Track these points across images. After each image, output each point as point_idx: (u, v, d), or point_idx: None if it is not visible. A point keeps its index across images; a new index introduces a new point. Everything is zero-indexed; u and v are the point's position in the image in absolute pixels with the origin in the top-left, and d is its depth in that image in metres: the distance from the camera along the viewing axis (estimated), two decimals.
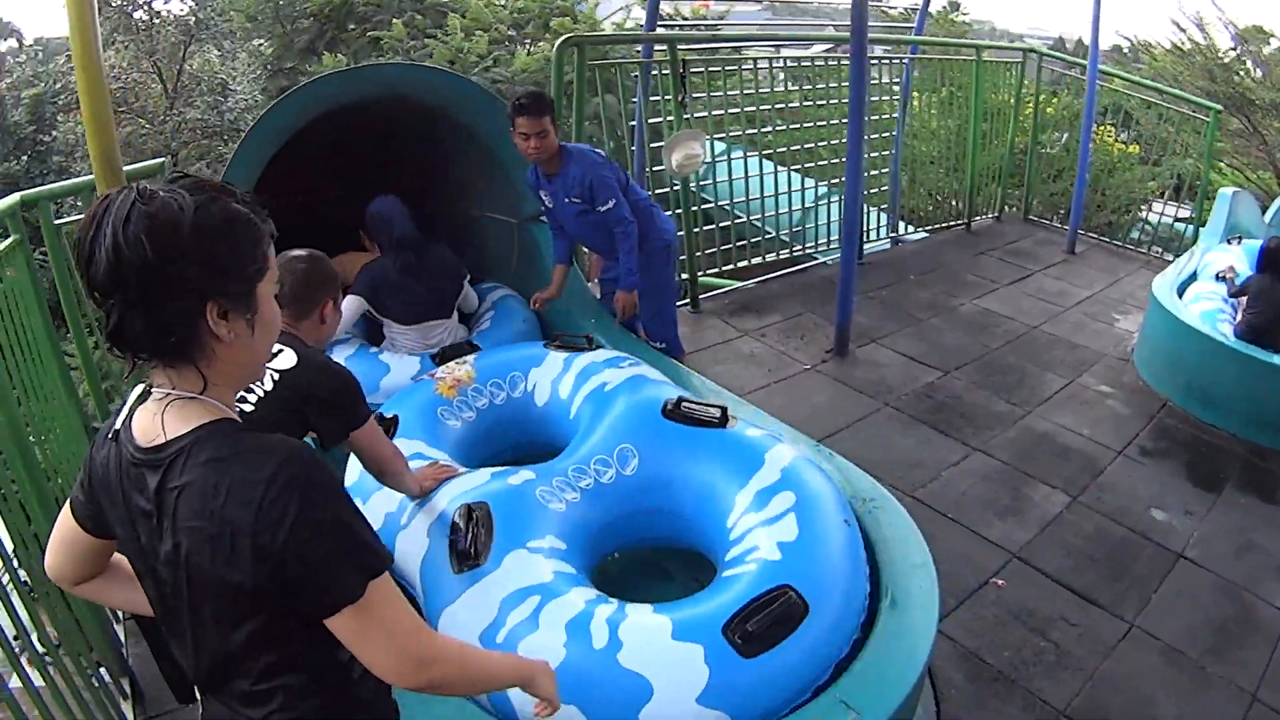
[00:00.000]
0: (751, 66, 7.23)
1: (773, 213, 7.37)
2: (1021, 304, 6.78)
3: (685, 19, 12.82)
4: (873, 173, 8.07)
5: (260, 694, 1.49)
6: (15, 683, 2.57)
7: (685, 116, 6.15)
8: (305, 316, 2.70)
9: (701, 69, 6.94)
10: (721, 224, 7.15)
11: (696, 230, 6.73)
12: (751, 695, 2.35)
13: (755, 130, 7.31)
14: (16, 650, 2.60)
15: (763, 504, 2.91)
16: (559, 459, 3.28)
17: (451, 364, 3.96)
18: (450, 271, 4.69)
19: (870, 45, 7.20)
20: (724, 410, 3.30)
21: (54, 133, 15.48)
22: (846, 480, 3.20)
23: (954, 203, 8.90)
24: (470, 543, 2.75)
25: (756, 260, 7.34)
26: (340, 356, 4.37)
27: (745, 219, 7.29)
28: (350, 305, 4.40)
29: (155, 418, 1.41)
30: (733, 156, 7.07)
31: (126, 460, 1.44)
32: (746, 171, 7.14)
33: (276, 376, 2.47)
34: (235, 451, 1.37)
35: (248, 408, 2.35)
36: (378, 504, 3.07)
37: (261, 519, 1.32)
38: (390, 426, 3.56)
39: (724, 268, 7.15)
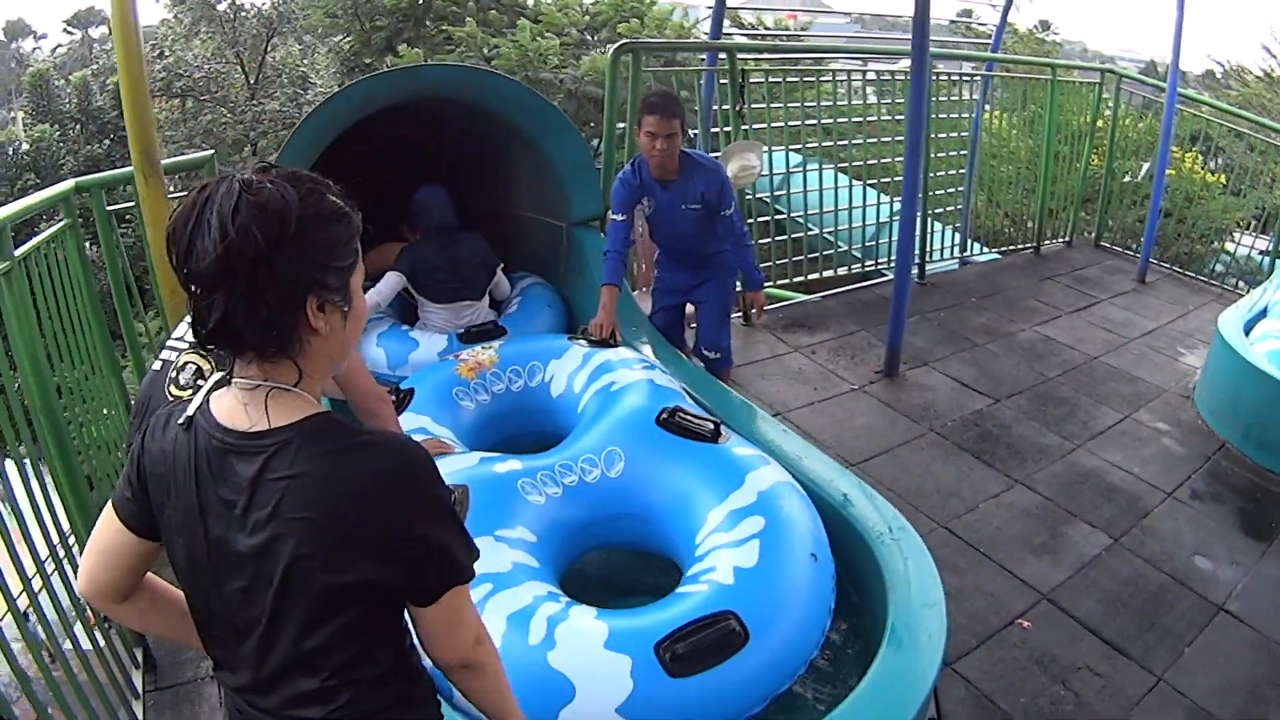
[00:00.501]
0: (830, 79, 7.12)
1: (845, 227, 7.23)
2: (1083, 333, 6.55)
3: (767, 28, 12.68)
4: (944, 191, 7.89)
5: (328, 691, 1.46)
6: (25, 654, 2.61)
7: (744, 127, 6.05)
8: None
9: (779, 79, 6.82)
10: (794, 235, 6.99)
11: (762, 241, 6.65)
12: (673, 715, 2.37)
13: (832, 143, 7.17)
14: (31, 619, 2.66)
15: (732, 525, 2.91)
16: (549, 453, 3.34)
17: (477, 348, 4.13)
18: (483, 259, 4.92)
19: (943, 61, 7.08)
20: (717, 425, 3.32)
21: None
22: (872, 508, 3.08)
23: (1029, 224, 8.65)
24: None
25: (828, 273, 7.20)
26: (374, 334, 4.69)
27: (818, 232, 7.13)
28: (390, 280, 4.76)
29: (250, 407, 1.41)
30: (808, 169, 6.94)
31: (210, 447, 1.41)
32: (821, 184, 6.98)
33: None
34: (354, 445, 1.39)
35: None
36: None
37: (393, 507, 1.36)
38: (405, 399, 3.70)
39: (794, 279, 7.02)
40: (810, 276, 7.11)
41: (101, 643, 2.96)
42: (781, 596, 2.66)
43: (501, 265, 5.01)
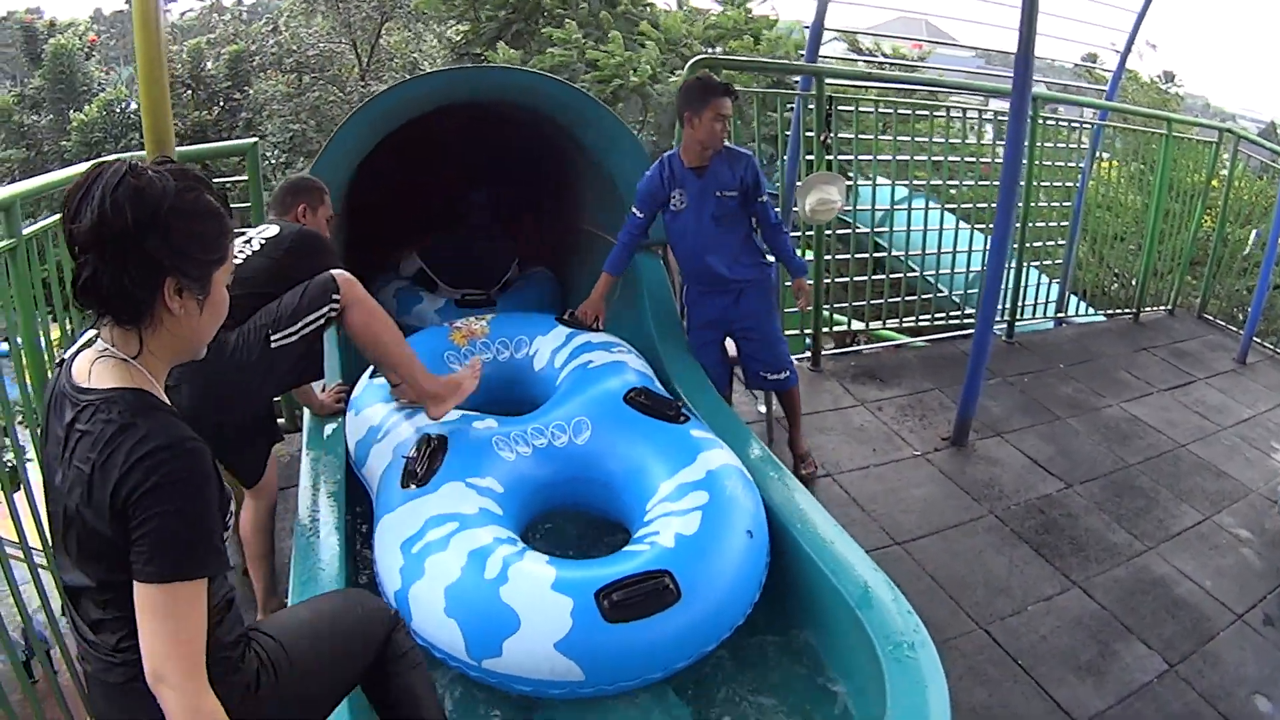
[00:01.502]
0: (944, 113, 6.82)
1: (947, 270, 6.92)
2: (1173, 415, 6.10)
3: (885, 55, 12.31)
4: (1048, 242, 7.54)
5: (105, 623, 1.68)
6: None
7: (828, 158, 5.77)
8: (285, 214, 3.63)
9: (889, 109, 6.57)
10: (894, 274, 6.75)
11: (836, 280, 6.40)
12: (604, 656, 2.67)
13: (941, 181, 6.91)
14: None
15: (678, 497, 3.21)
16: (525, 418, 3.71)
17: (472, 317, 4.52)
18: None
19: (1056, 106, 6.73)
20: (678, 408, 3.73)
21: (248, 89, 16.09)
22: (894, 609, 2.81)
23: (1133, 283, 8.18)
24: (419, 465, 3.22)
25: (924, 319, 6.93)
26: (390, 290, 5.72)
27: (918, 273, 6.87)
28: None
29: (89, 364, 1.65)
30: (913, 205, 6.65)
31: (60, 389, 1.68)
32: (925, 223, 6.68)
33: (262, 241, 3.27)
34: (133, 421, 1.57)
35: (238, 262, 2.98)
36: (367, 417, 3.63)
37: (125, 480, 1.53)
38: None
39: (887, 321, 6.76)
40: (905, 321, 6.83)
41: None
42: (714, 564, 2.93)
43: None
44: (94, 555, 1.62)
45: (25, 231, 3.18)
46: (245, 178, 5.00)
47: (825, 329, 6.44)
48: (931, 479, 4.93)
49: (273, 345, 2.96)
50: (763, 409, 5.15)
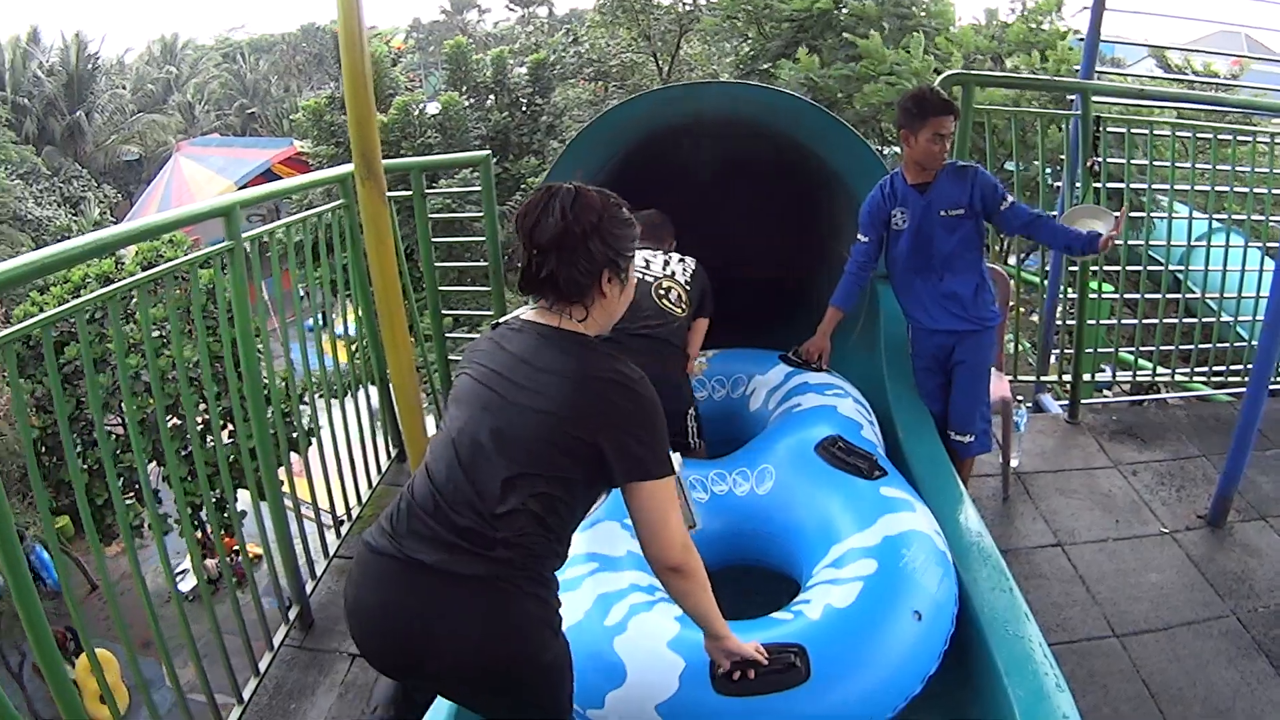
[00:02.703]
0: (1255, 139, 5.97)
1: (1250, 317, 6.06)
2: None
3: (1196, 73, 11.12)
4: None
5: (518, 540, 2.01)
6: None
7: (1095, 185, 5.10)
8: (660, 245, 4.10)
9: (1188, 133, 5.77)
10: (1188, 318, 6.08)
11: (1096, 322, 5.68)
12: None
13: (1246, 216, 6.07)
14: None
15: (844, 563, 2.83)
16: (714, 460, 3.56)
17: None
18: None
19: None
20: (873, 462, 3.27)
21: (550, 96, 16.61)
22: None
23: None
24: None
25: (1219, 367, 6.15)
26: None
27: (1220, 318, 6.15)
28: None
29: (551, 315, 2.12)
30: (1212, 242, 5.87)
31: (514, 329, 2.16)
32: (1225, 262, 5.93)
33: (687, 273, 3.94)
34: (585, 362, 2.05)
35: (688, 272, 3.94)
36: None
37: (582, 406, 2.00)
38: None
39: (1177, 370, 6.06)
40: (1198, 370, 6.11)
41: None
42: (861, 646, 2.52)
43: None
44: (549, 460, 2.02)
45: (245, 235, 3.59)
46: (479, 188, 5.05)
47: (1089, 375, 5.74)
48: (1174, 563, 4.23)
49: None
50: (1013, 460, 4.73)
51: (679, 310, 3.80)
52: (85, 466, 9.63)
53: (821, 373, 4.08)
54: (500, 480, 1.97)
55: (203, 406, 8.07)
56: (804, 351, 4.18)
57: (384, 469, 5.14)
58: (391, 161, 4.76)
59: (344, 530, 4.63)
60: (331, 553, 4.50)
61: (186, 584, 12.18)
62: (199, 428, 5.55)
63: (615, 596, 2.70)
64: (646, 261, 3.90)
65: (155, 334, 3.49)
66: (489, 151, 5.00)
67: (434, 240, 4.94)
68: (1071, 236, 3.86)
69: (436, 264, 5.08)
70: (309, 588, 4.16)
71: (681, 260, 3.98)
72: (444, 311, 5.23)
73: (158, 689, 3.39)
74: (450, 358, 5.42)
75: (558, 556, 2.10)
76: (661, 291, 3.80)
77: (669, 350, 3.74)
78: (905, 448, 3.74)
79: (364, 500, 4.83)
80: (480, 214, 4.93)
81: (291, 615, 4.01)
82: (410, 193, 4.89)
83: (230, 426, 4.19)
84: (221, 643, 3.55)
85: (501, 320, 2.23)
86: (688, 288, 3.87)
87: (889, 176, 4.02)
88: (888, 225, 3.99)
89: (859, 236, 4.07)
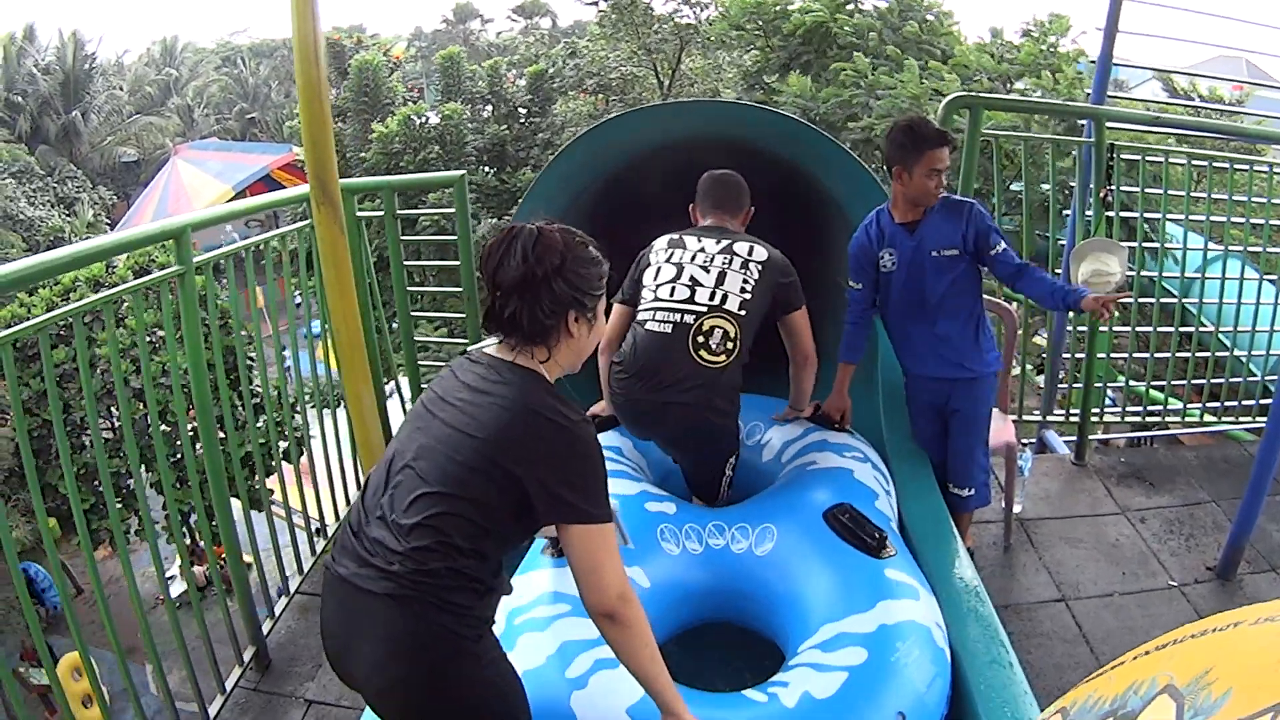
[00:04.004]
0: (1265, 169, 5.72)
1: (1261, 352, 5.83)
2: None
3: (1202, 98, 10.89)
4: None
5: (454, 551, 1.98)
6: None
7: (1108, 215, 4.84)
8: (735, 216, 3.63)
9: (1203, 162, 5.57)
10: (1200, 351, 5.85)
11: (1106, 355, 5.42)
12: None
13: (1261, 246, 5.89)
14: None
15: (832, 647, 2.58)
16: (716, 511, 3.28)
17: None
18: None
19: None
20: (882, 539, 2.95)
21: (550, 109, 16.47)
22: None
23: None
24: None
25: (1231, 404, 5.84)
26: None
27: (1230, 352, 5.92)
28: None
29: (511, 351, 2.09)
30: (1226, 272, 5.61)
31: (472, 360, 2.14)
32: (1240, 293, 5.63)
33: (759, 266, 3.36)
34: (526, 394, 2.02)
35: (749, 286, 3.30)
36: None
37: (504, 433, 1.96)
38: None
39: (1189, 406, 5.80)
40: (1210, 405, 5.79)
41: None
42: None
43: None
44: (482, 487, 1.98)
45: (195, 260, 3.39)
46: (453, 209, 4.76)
47: (1097, 414, 5.48)
48: (1181, 620, 3.95)
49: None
50: (1017, 506, 4.54)
51: (721, 359, 3.23)
52: (75, 471, 9.53)
53: (843, 432, 3.76)
54: (414, 495, 1.97)
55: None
56: (826, 411, 3.82)
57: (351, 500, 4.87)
58: (360, 181, 4.60)
59: (305, 567, 4.38)
60: (293, 589, 4.24)
61: (173, 589, 11.99)
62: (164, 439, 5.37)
63: (581, 646, 2.50)
64: (682, 273, 3.37)
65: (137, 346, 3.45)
66: (463, 173, 4.73)
67: (418, 264, 4.69)
68: (1055, 292, 3.60)
69: (409, 288, 4.83)
70: (266, 627, 3.92)
71: (750, 250, 3.39)
72: (418, 339, 4.97)
73: (140, 694, 3.28)
74: (422, 385, 5.14)
75: (474, 588, 2.00)
76: (701, 338, 3.23)
77: (714, 393, 3.25)
78: (902, 503, 3.51)
79: (330, 536, 4.59)
80: (455, 236, 4.65)
81: (246, 656, 3.77)
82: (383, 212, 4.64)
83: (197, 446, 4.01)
84: (191, 670, 3.46)
85: (467, 350, 2.26)
86: (742, 314, 3.26)
87: (874, 214, 3.72)
88: (877, 268, 3.70)
89: (850, 283, 3.79)
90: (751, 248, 3.39)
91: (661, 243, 3.52)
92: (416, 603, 1.93)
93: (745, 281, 3.31)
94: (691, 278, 3.33)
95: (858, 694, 2.39)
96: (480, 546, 1.99)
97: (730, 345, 3.23)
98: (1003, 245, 3.57)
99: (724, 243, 3.41)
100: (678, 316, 3.25)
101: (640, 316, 3.33)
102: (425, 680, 1.97)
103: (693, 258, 3.38)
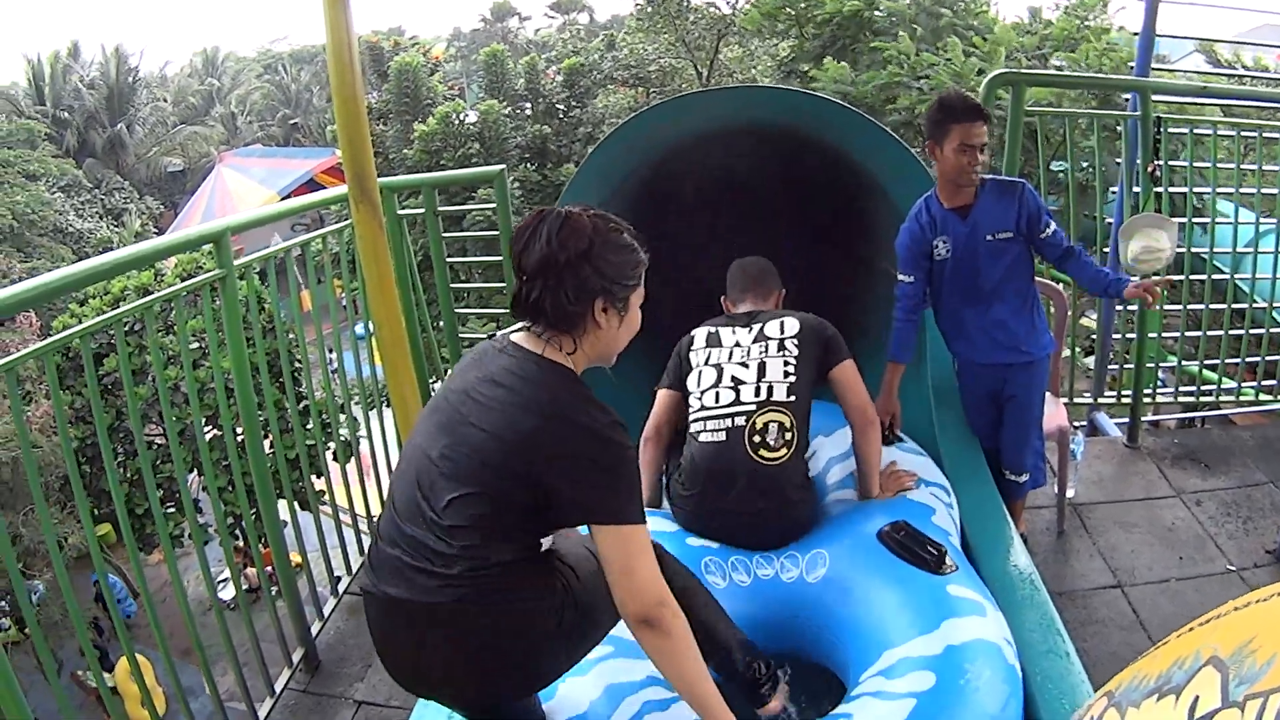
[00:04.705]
0: None
1: None
2: None
3: (1246, 69, 10.65)
4: None
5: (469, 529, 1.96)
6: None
7: (1156, 191, 4.73)
8: (767, 300, 3.50)
9: (1253, 133, 5.38)
10: (1254, 329, 5.70)
11: (1158, 335, 5.36)
12: None
13: None
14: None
15: (897, 673, 2.44)
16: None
17: None
18: None
19: None
20: (942, 554, 2.79)
21: (587, 103, 16.47)
22: None
23: None
24: None
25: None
26: None
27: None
28: None
29: (538, 341, 2.03)
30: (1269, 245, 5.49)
31: (497, 348, 2.07)
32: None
33: (796, 328, 3.22)
34: (556, 396, 1.97)
35: (791, 367, 3.15)
36: None
37: (532, 437, 1.92)
38: None
39: (1244, 385, 5.61)
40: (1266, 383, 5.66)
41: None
42: None
43: None
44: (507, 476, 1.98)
45: (236, 264, 3.41)
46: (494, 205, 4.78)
47: (1149, 395, 5.38)
48: None
49: None
50: (1069, 490, 4.46)
51: (782, 453, 3.06)
52: (126, 477, 9.71)
53: (894, 443, 3.60)
54: (450, 497, 1.94)
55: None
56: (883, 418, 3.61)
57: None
58: (398, 179, 4.58)
59: (355, 567, 4.39)
60: (341, 590, 4.26)
61: (226, 593, 12.11)
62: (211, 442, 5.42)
63: (628, 689, 2.41)
64: (723, 374, 3.22)
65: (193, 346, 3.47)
66: (503, 167, 4.75)
67: (461, 260, 4.69)
68: (1100, 279, 3.55)
69: (452, 285, 4.84)
70: (315, 628, 3.93)
71: (782, 326, 3.27)
72: (463, 334, 4.96)
73: (195, 696, 3.40)
74: None
75: (527, 567, 2.01)
76: (757, 438, 3.07)
77: (784, 488, 3.09)
78: (954, 488, 3.40)
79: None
80: (497, 232, 4.66)
81: (296, 658, 3.77)
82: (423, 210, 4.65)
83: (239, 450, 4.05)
84: (240, 672, 3.48)
85: (493, 335, 2.21)
86: (792, 400, 3.12)
87: (923, 202, 3.60)
88: (931, 257, 3.58)
89: (901, 276, 3.63)
90: (782, 323, 3.27)
91: (699, 340, 3.36)
92: (483, 598, 1.93)
93: (786, 364, 3.17)
94: (733, 378, 3.20)
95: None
96: (522, 535, 2.00)
97: (789, 436, 3.08)
98: (1053, 227, 3.49)
99: (755, 328, 3.30)
100: (729, 421, 3.11)
101: (693, 429, 3.19)
102: (522, 663, 2.03)
103: (730, 355, 3.26)
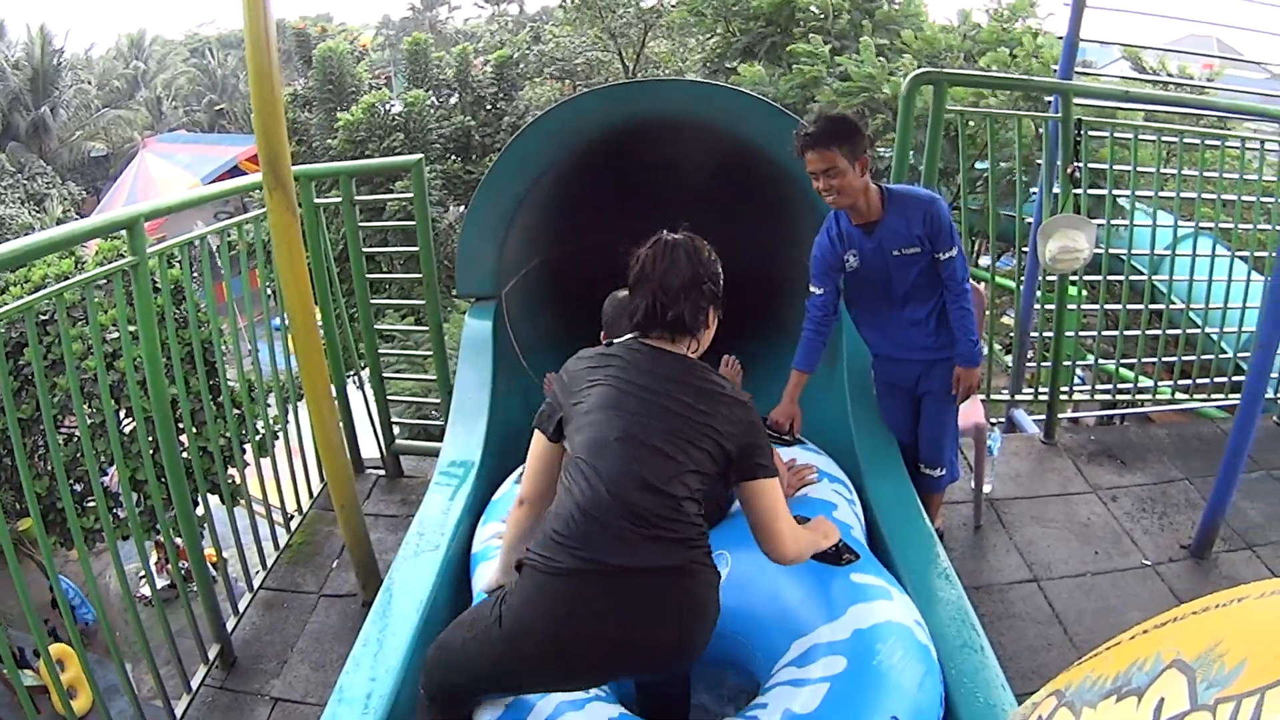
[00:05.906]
0: (1234, 144, 5.66)
1: (1233, 329, 5.76)
2: None
3: (1170, 75, 10.87)
4: None
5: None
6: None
7: (1075, 192, 4.78)
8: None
9: (1173, 139, 5.55)
10: (1171, 329, 5.82)
11: (1075, 334, 5.41)
12: None
13: (1232, 223, 5.72)
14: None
15: (807, 661, 2.47)
16: None
17: None
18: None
19: None
20: (843, 546, 2.79)
21: (516, 96, 16.38)
22: None
23: None
24: None
25: (1203, 381, 5.79)
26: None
27: (1201, 330, 5.85)
28: None
29: (672, 344, 2.33)
30: (1196, 249, 5.55)
31: (635, 350, 2.33)
32: (1211, 271, 5.58)
33: None
34: (709, 378, 2.30)
35: None
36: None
37: (714, 417, 2.23)
38: None
39: (1160, 384, 5.69)
40: (1184, 383, 5.76)
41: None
42: None
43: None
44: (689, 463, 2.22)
45: (149, 251, 3.33)
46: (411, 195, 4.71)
47: (1066, 392, 5.44)
48: (1156, 599, 3.94)
49: None
50: (987, 486, 4.49)
51: None
52: (49, 470, 9.50)
53: (794, 445, 3.60)
54: (670, 475, 2.15)
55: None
56: (773, 422, 3.60)
57: (315, 494, 4.79)
58: (315, 167, 4.52)
59: (269, 562, 4.32)
60: (256, 585, 4.18)
61: (149, 589, 11.92)
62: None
63: (531, 700, 2.40)
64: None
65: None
66: (420, 157, 4.64)
67: (382, 250, 4.60)
68: (963, 335, 3.53)
69: (370, 276, 4.75)
70: (230, 624, 3.87)
71: None
72: (381, 328, 4.89)
73: (120, 696, 3.42)
74: (385, 375, 5.04)
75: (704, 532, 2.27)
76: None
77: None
78: (868, 485, 3.42)
79: (294, 529, 4.53)
80: (413, 222, 4.56)
81: (212, 654, 3.71)
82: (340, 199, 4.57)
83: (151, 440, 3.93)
84: (156, 670, 3.45)
85: (614, 342, 2.42)
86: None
87: (832, 216, 3.54)
88: (842, 270, 3.55)
89: (812, 288, 3.58)
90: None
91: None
92: (703, 561, 2.21)
93: None
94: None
95: (844, 703, 2.28)
96: (702, 501, 2.24)
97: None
98: (954, 253, 3.45)
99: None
100: None
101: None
102: (710, 626, 2.23)
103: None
